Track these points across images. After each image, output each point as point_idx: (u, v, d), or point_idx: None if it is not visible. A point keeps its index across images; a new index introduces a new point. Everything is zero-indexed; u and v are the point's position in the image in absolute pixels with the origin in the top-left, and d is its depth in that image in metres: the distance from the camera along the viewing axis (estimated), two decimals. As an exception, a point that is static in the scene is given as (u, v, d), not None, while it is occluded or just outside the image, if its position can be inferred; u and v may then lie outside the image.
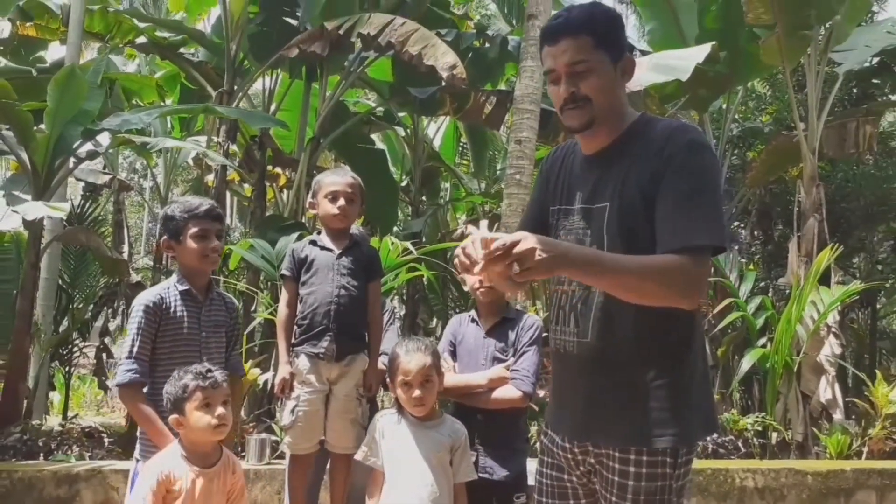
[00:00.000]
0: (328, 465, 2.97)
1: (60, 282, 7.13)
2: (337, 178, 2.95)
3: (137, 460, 2.44)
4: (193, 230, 2.50)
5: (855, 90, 8.70)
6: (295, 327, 2.90)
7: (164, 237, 2.57)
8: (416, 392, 2.46)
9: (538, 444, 2.00)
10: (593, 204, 1.80)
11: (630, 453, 1.71)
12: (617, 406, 1.75)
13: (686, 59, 5.95)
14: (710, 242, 1.65)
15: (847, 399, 6.00)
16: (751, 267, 7.77)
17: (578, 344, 1.79)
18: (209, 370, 2.27)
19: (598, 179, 1.81)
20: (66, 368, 7.69)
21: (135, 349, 2.40)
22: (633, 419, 1.72)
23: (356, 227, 3.14)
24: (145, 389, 2.41)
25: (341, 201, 2.90)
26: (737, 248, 7.49)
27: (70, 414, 6.79)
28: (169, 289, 2.52)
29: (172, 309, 2.48)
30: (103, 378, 7.83)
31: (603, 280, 1.66)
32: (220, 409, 2.23)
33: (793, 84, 7.25)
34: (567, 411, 1.87)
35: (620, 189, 1.75)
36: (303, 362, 2.84)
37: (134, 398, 2.39)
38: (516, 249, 1.52)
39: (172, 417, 2.24)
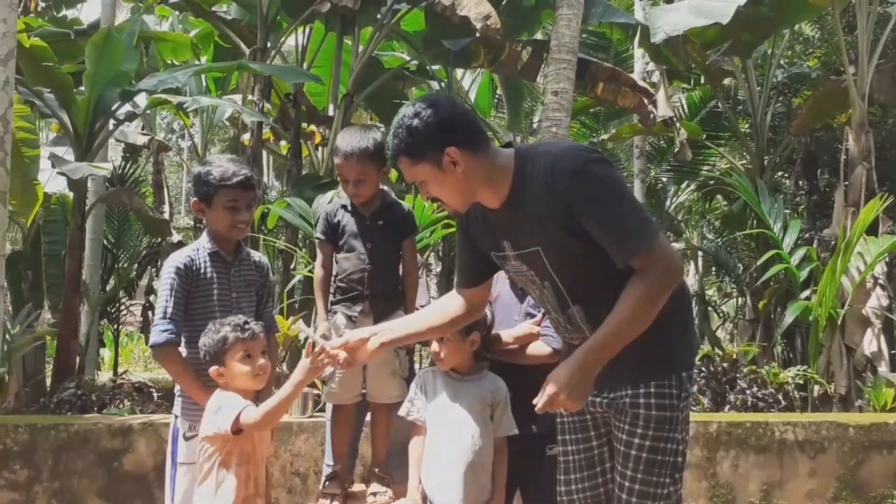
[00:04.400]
0: (368, 418, 3.03)
1: (105, 242, 7.34)
2: (341, 160, 2.80)
3: (176, 416, 2.51)
4: (224, 199, 2.48)
5: (909, 31, 8.28)
6: (333, 285, 2.94)
7: (195, 199, 2.55)
8: (434, 347, 2.54)
9: None
10: (524, 249, 1.94)
11: (640, 388, 1.92)
12: (624, 366, 1.90)
13: (727, 1, 5.71)
14: (647, 243, 1.79)
15: (893, 351, 5.87)
16: (795, 217, 7.57)
17: (582, 341, 1.96)
18: (246, 322, 2.31)
19: (516, 228, 1.94)
20: (115, 326, 7.97)
21: (169, 309, 2.42)
22: (639, 367, 1.92)
23: (387, 186, 3.13)
24: (181, 349, 2.46)
25: (350, 188, 2.84)
26: (781, 197, 7.29)
27: (120, 370, 7.04)
28: (199, 250, 2.53)
29: (203, 270, 2.50)
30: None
31: (623, 342, 1.83)
32: (260, 360, 2.30)
33: (842, 26, 6.92)
34: None
35: (541, 232, 1.88)
36: (340, 318, 2.88)
37: (170, 358, 2.43)
38: (552, 410, 1.84)
39: (213, 369, 2.28)
